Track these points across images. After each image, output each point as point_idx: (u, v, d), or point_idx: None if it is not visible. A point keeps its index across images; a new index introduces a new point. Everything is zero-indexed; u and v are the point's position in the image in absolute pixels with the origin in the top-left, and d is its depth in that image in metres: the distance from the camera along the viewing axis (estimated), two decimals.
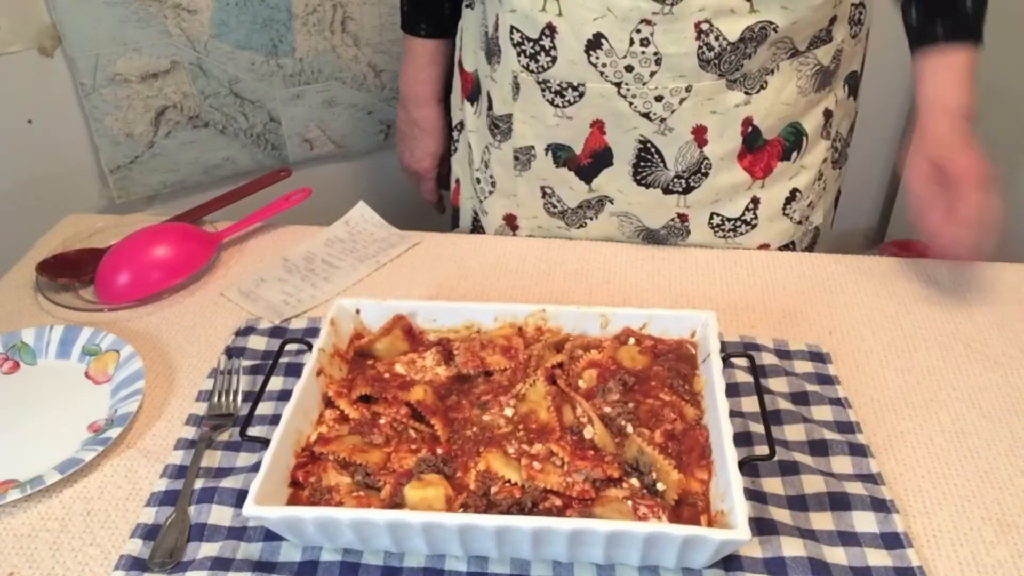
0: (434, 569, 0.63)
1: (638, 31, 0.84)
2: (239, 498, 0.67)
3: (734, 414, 0.71)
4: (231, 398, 0.79)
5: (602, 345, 0.76)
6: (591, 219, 1.01)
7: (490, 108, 1.00)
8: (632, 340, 0.76)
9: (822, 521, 0.65)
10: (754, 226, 0.99)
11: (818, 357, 0.82)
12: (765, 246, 1.01)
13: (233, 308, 0.92)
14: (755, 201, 0.98)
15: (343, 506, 0.63)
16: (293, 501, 0.64)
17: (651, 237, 1.01)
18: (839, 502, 0.66)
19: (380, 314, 0.79)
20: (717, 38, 0.84)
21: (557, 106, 0.92)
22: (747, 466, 0.64)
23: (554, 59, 0.88)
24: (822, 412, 0.76)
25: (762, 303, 0.91)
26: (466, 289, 0.95)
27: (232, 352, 0.85)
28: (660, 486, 0.63)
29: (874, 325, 0.87)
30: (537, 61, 0.89)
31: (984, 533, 0.65)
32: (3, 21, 1.21)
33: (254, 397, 0.71)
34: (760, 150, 0.94)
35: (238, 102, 1.42)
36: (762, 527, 0.63)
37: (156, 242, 0.96)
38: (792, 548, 0.62)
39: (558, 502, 0.62)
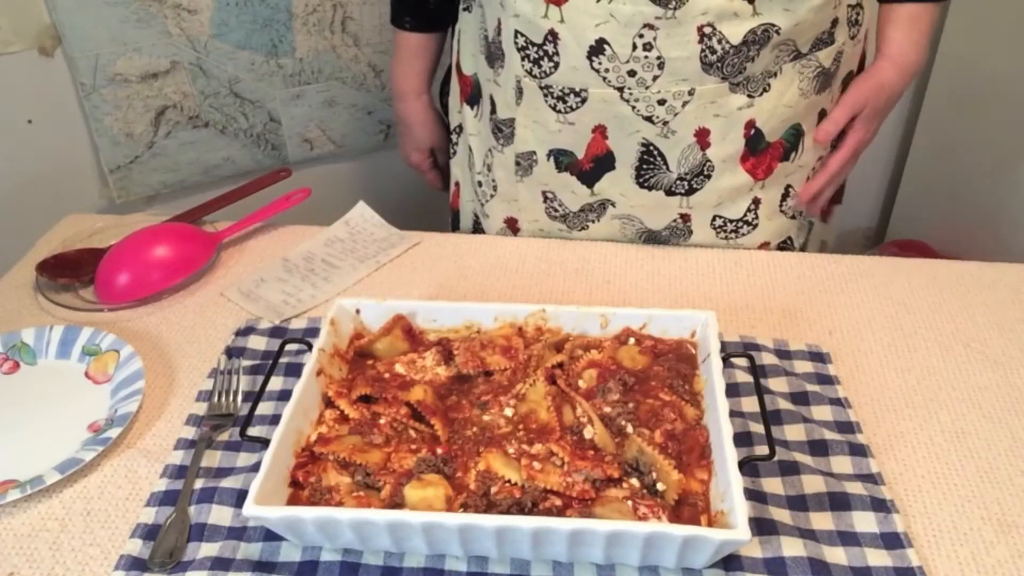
0: (434, 569, 0.63)
1: (641, 36, 0.84)
2: (239, 498, 0.68)
3: (734, 414, 0.71)
4: (231, 398, 0.79)
5: (602, 345, 0.76)
6: (593, 222, 1.01)
7: (493, 112, 1.00)
8: (632, 340, 0.76)
9: (822, 521, 0.65)
10: (755, 226, 0.99)
11: (818, 357, 0.82)
12: (765, 244, 1.01)
13: (233, 308, 0.92)
14: (756, 202, 0.98)
15: (343, 506, 0.63)
16: (293, 501, 0.64)
17: (653, 238, 1.01)
18: (839, 502, 0.66)
19: (380, 314, 0.79)
20: (720, 41, 0.84)
21: (559, 111, 0.92)
22: (747, 466, 0.64)
23: (556, 65, 0.88)
24: (822, 412, 0.76)
25: (762, 303, 0.91)
26: (466, 289, 0.95)
27: (232, 352, 0.85)
28: (660, 486, 0.63)
29: (874, 325, 0.87)
30: (540, 66, 0.89)
31: (984, 533, 0.65)
32: (3, 21, 1.21)
33: (254, 397, 0.71)
34: (763, 152, 0.94)
35: (238, 102, 1.42)
36: (762, 527, 0.63)
37: (156, 242, 0.96)
38: (792, 548, 0.62)
39: (558, 502, 0.62)
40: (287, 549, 0.64)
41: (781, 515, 0.65)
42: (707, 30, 0.83)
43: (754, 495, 0.66)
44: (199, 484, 0.70)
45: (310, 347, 0.74)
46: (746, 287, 0.93)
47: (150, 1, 1.26)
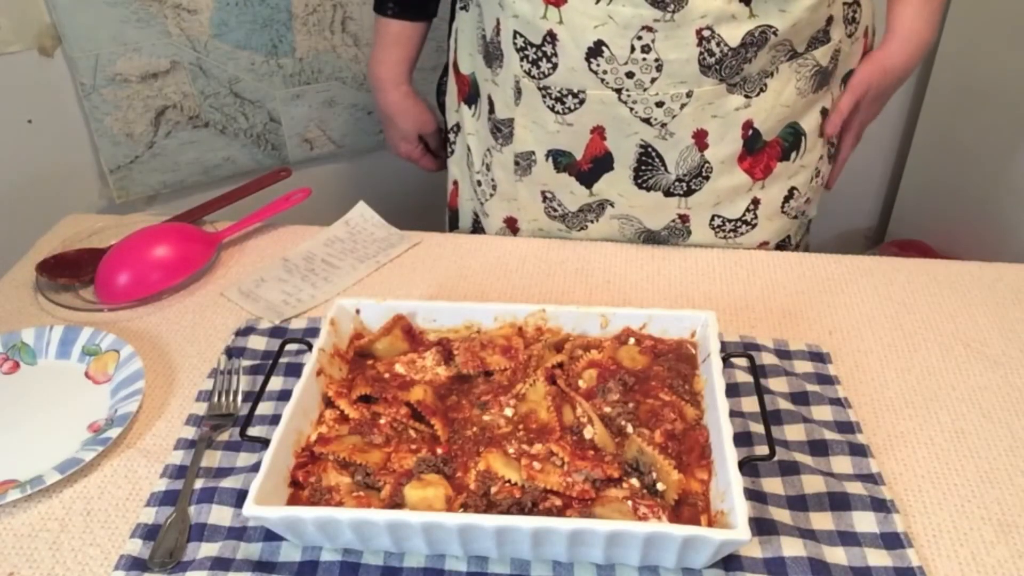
0: (434, 569, 0.63)
1: (639, 38, 0.84)
2: (239, 498, 0.68)
3: (734, 414, 0.71)
4: (231, 398, 0.79)
5: (602, 345, 0.76)
6: (592, 222, 1.01)
7: (491, 112, 0.99)
8: (632, 340, 0.76)
9: (822, 521, 0.65)
10: (754, 226, 0.99)
11: (818, 357, 0.82)
12: (764, 244, 1.01)
13: (233, 308, 0.92)
14: (755, 202, 0.98)
15: (343, 506, 0.63)
16: (293, 501, 0.64)
17: (652, 238, 1.01)
18: (839, 502, 0.66)
19: (380, 314, 0.79)
20: (718, 44, 0.84)
21: (557, 112, 0.92)
22: (747, 466, 0.64)
23: (555, 66, 0.88)
24: (822, 412, 0.76)
25: (762, 303, 0.91)
26: (466, 289, 0.95)
27: (232, 352, 0.85)
28: (660, 486, 0.63)
29: (874, 325, 0.87)
30: (539, 67, 0.89)
31: (984, 533, 0.65)
32: (3, 21, 1.21)
33: (254, 397, 0.71)
34: (760, 152, 0.94)
35: (238, 102, 1.42)
36: (762, 527, 0.64)
37: (156, 242, 0.96)
38: (792, 548, 0.62)
39: (558, 502, 0.62)
40: (287, 549, 0.64)
41: (781, 515, 0.65)
42: (706, 33, 0.83)
43: (754, 495, 0.66)
44: (199, 484, 0.70)
45: (310, 347, 0.74)
46: (746, 287, 0.93)
47: (150, 1, 1.26)
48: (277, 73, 1.42)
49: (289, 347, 0.78)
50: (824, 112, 0.97)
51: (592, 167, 0.95)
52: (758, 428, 0.72)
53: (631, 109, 0.89)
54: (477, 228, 1.12)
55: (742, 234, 1.00)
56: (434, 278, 0.96)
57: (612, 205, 0.98)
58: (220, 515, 0.67)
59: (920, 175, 1.91)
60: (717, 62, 0.85)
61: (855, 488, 0.67)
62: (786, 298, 0.91)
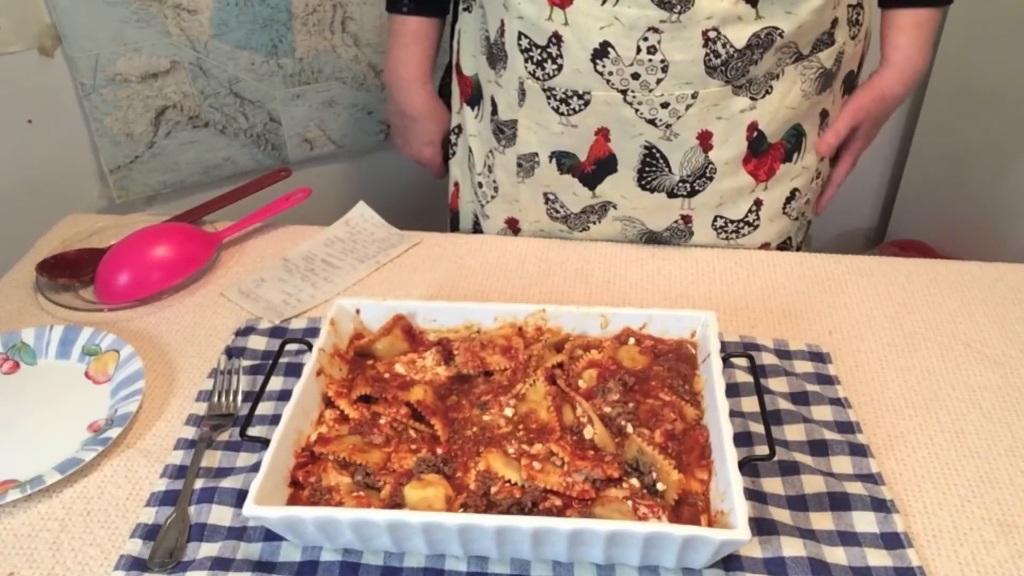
0: (434, 569, 0.63)
1: (645, 39, 0.83)
2: (239, 498, 0.68)
3: (734, 414, 0.71)
4: (231, 398, 0.79)
5: (602, 345, 0.76)
6: (594, 223, 1.01)
7: (494, 113, 0.99)
8: (632, 340, 0.76)
9: (822, 521, 0.65)
10: (756, 227, 0.99)
11: (818, 357, 0.82)
12: (766, 245, 1.01)
13: (233, 308, 0.92)
14: (758, 203, 0.98)
15: (343, 506, 0.63)
16: (293, 501, 0.64)
17: (654, 239, 1.01)
18: (839, 502, 0.66)
19: (380, 314, 0.79)
20: (724, 45, 0.84)
21: (562, 114, 0.92)
22: (747, 466, 0.64)
23: (560, 67, 0.88)
24: (822, 412, 0.76)
25: (762, 303, 0.91)
26: (466, 289, 0.95)
27: (232, 352, 0.85)
28: (660, 486, 0.63)
29: (874, 325, 0.87)
30: (544, 68, 0.89)
31: (984, 533, 0.65)
32: (3, 21, 1.21)
33: (254, 397, 0.71)
34: (764, 154, 0.94)
35: (238, 102, 1.42)
36: (762, 527, 0.63)
37: (156, 242, 0.96)
38: (792, 548, 0.62)
39: (558, 502, 0.62)
40: (287, 549, 0.64)
41: (781, 515, 0.65)
42: (712, 34, 0.83)
43: (754, 495, 0.66)
44: (199, 484, 0.70)
45: (310, 347, 0.74)
46: (746, 287, 0.93)
47: (150, 1, 1.26)
48: (277, 73, 1.42)
49: (289, 347, 0.78)
50: (824, 114, 0.97)
51: (596, 169, 0.95)
52: (758, 428, 0.72)
53: (636, 110, 0.88)
54: (477, 230, 1.11)
55: (744, 235, 1.00)
56: (434, 278, 0.96)
57: (615, 207, 0.98)
58: (220, 515, 0.67)
59: (920, 175, 1.91)
60: (723, 63, 0.85)
61: (855, 488, 0.67)
62: (786, 298, 0.91)
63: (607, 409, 0.69)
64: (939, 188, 1.85)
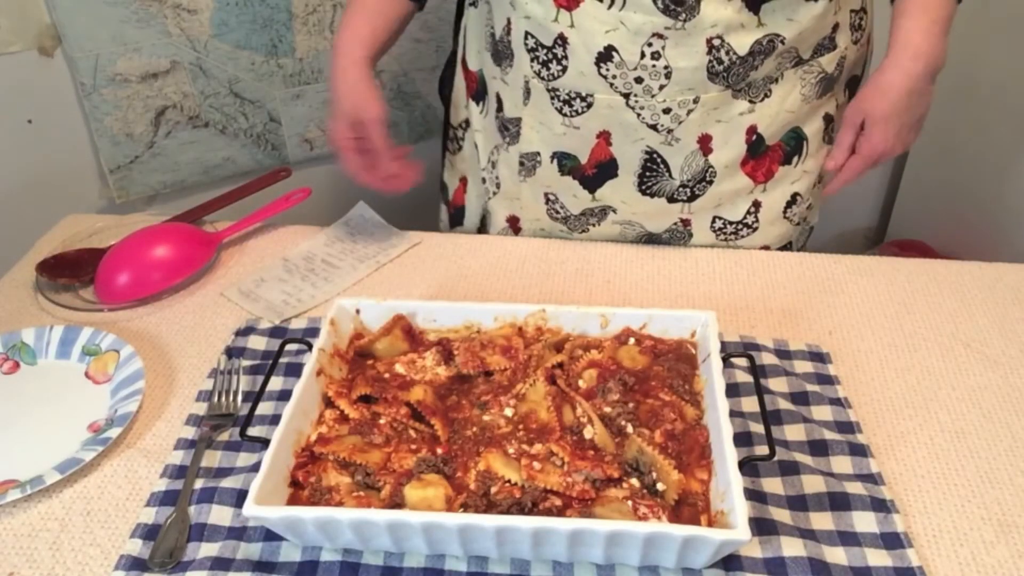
0: (434, 569, 0.63)
1: (649, 44, 0.84)
2: (239, 498, 0.68)
3: (734, 414, 0.71)
4: (231, 398, 0.79)
5: (602, 345, 0.76)
6: (593, 225, 1.01)
7: (499, 110, 0.99)
8: (632, 340, 0.76)
9: (822, 521, 0.65)
10: (755, 229, 0.99)
11: (818, 357, 0.82)
12: (765, 248, 1.01)
13: (233, 308, 0.92)
14: (756, 205, 0.98)
15: (343, 506, 0.63)
16: (293, 501, 0.64)
17: (653, 240, 1.01)
18: (839, 502, 0.66)
19: (380, 314, 0.79)
20: (728, 52, 0.84)
21: (565, 115, 0.92)
22: (747, 466, 0.64)
23: (564, 68, 0.88)
24: (822, 412, 0.76)
25: (762, 303, 0.91)
26: (466, 289, 0.95)
27: (232, 352, 0.85)
28: (660, 486, 0.63)
29: (874, 325, 0.87)
30: (548, 68, 0.89)
31: (984, 533, 0.65)
32: (3, 21, 1.21)
33: (254, 397, 0.71)
34: (762, 156, 0.94)
35: (238, 102, 1.42)
36: (762, 527, 0.63)
37: (156, 242, 0.96)
38: (792, 548, 0.62)
39: (558, 502, 0.62)
40: (287, 549, 0.64)
41: (781, 515, 0.65)
42: (715, 41, 0.83)
43: (754, 495, 0.66)
44: (199, 484, 0.69)
45: (310, 347, 0.74)
46: (746, 287, 0.93)
47: (150, 1, 1.26)
48: (277, 73, 1.42)
49: (289, 347, 0.78)
50: (827, 119, 0.97)
51: (596, 172, 0.95)
52: (758, 428, 0.72)
53: (639, 115, 0.89)
54: (483, 225, 1.11)
55: (743, 236, 1.00)
56: (434, 278, 0.96)
57: (615, 211, 0.98)
58: (220, 515, 0.67)
59: (920, 175, 1.91)
60: (725, 70, 0.86)
61: (855, 488, 0.67)
62: (786, 298, 0.91)
63: (607, 409, 0.69)
64: (939, 188, 1.85)
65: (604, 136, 0.92)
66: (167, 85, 1.34)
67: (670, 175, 0.94)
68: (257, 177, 1.11)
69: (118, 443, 0.75)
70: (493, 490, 0.63)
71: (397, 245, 1.02)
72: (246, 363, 0.83)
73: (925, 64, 0.87)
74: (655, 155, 0.92)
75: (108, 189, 1.39)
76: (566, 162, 0.96)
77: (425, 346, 0.77)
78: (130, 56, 1.29)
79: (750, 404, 0.75)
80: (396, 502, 0.63)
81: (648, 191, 0.95)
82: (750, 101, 0.90)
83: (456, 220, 1.16)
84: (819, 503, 0.66)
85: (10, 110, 1.28)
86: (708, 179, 0.94)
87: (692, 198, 0.96)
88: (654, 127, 0.90)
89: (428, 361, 0.75)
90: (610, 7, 0.82)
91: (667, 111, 0.88)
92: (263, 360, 0.84)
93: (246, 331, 0.88)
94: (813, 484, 0.68)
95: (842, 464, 0.70)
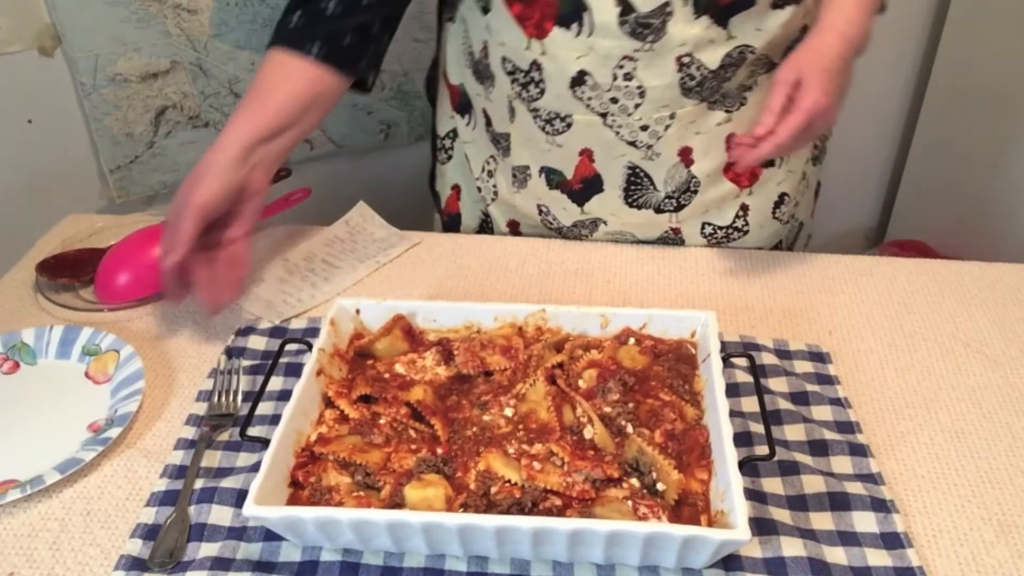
0: (434, 569, 0.63)
1: (621, 67, 0.85)
2: (239, 498, 0.68)
3: (734, 414, 0.71)
4: (231, 398, 0.79)
5: (602, 345, 0.76)
6: (586, 236, 1.02)
7: (489, 124, 1.00)
8: (632, 340, 0.76)
9: (822, 521, 0.65)
10: (746, 232, 1.00)
11: (818, 357, 0.82)
12: (758, 249, 1.01)
13: (233, 308, 0.92)
14: (744, 208, 0.98)
15: (343, 506, 0.63)
16: (293, 501, 0.64)
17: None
18: (839, 502, 0.66)
19: (380, 314, 0.79)
20: (699, 68, 0.86)
21: (548, 133, 0.93)
22: (747, 466, 0.64)
23: (542, 91, 0.90)
24: (822, 412, 0.76)
25: (762, 303, 0.91)
26: (466, 289, 0.95)
27: (232, 352, 0.85)
28: (660, 486, 0.63)
29: (874, 325, 0.87)
30: (528, 91, 0.91)
31: (984, 533, 0.65)
32: (3, 21, 1.21)
33: (254, 397, 0.71)
34: None
35: (238, 102, 1.41)
36: (762, 527, 0.63)
37: (156, 242, 0.95)
38: (792, 548, 0.62)
39: (558, 502, 0.62)
40: (287, 549, 0.64)
41: (781, 515, 0.65)
42: (685, 59, 0.85)
43: (754, 495, 0.66)
44: (199, 484, 0.69)
45: (310, 347, 0.74)
46: (746, 287, 0.93)
47: (150, 1, 1.26)
48: None
49: (289, 347, 0.78)
50: None
51: (583, 187, 0.97)
52: (758, 428, 0.72)
53: (617, 133, 0.90)
54: (484, 228, 1.11)
55: (734, 240, 1.00)
56: (434, 278, 0.96)
57: (605, 223, 0.99)
58: (220, 515, 0.67)
59: (920, 175, 1.92)
60: (698, 84, 0.87)
61: (855, 488, 0.67)
62: (786, 298, 0.91)
63: (607, 409, 0.69)
64: (939, 188, 1.85)
65: (587, 153, 0.93)
66: (167, 85, 1.34)
67: (655, 188, 0.95)
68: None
69: (118, 443, 0.75)
70: (493, 490, 0.63)
71: (397, 245, 1.02)
72: (246, 363, 0.83)
73: (857, 34, 0.83)
74: (638, 170, 0.93)
75: (108, 189, 1.39)
76: (553, 177, 0.97)
77: (425, 346, 0.77)
78: (130, 56, 1.29)
79: (750, 404, 0.75)
80: (396, 502, 0.63)
81: (635, 204, 0.97)
82: (726, 111, 0.91)
83: (451, 227, 1.16)
84: (819, 503, 0.66)
85: (10, 110, 1.28)
86: (692, 189, 0.95)
87: (679, 208, 0.97)
88: (633, 144, 0.91)
89: (428, 361, 0.75)
90: (578, 35, 0.84)
91: (644, 128, 0.89)
92: (263, 360, 0.84)
93: (246, 331, 0.88)
94: (813, 484, 0.68)
95: (842, 464, 0.70)
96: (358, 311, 0.79)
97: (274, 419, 0.73)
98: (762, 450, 0.65)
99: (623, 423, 0.68)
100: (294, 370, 0.81)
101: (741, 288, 0.93)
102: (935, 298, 0.91)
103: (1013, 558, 0.63)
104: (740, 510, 0.57)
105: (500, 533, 0.59)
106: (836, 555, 0.62)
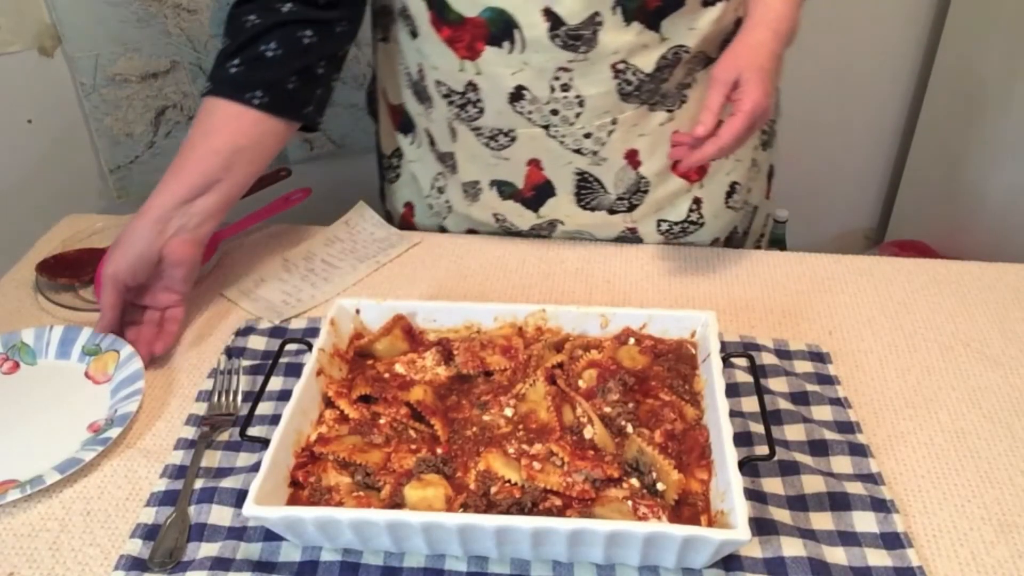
0: (434, 569, 0.63)
1: (557, 78, 0.85)
2: (239, 498, 0.68)
3: (734, 414, 0.71)
4: (231, 398, 0.79)
5: (602, 345, 0.76)
6: (546, 237, 1.03)
7: (433, 144, 1.01)
8: (632, 340, 0.76)
9: (822, 521, 0.65)
10: (701, 224, 1.00)
11: (818, 357, 0.82)
12: (715, 241, 1.02)
13: (233, 308, 0.92)
14: (697, 202, 0.99)
15: (343, 506, 0.63)
16: (293, 501, 0.64)
17: None
18: (839, 502, 0.66)
19: (380, 314, 0.79)
20: (635, 73, 0.86)
21: (493, 148, 0.93)
22: (747, 466, 0.64)
23: (481, 110, 0.90)
24: (822, 412, 0.76)
25: (762, 303, 0.91)
26: (466, 289, 0.95)
27: (232, 352, 0.85)
28: (660, 486, 0.63)
29: (874, 325, 0.87)
30: (466, 111, 0.91)
31: (984, 533, 0.65)
32: (3, 21, 1.21)
33: (254, 397, 0.71)
34: None
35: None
36: (762, 527, 0.63)
37: None
38: (792, 548, 0.62)
39: (558, 502, 0.62)
40: (287, 549, 0.64)
41: (781, 515, 0.65)
42: (620, 66, 0.85)
43: (754, 495, 0.66)
44: (199, 484, 0.69)
45: (310, 347, 0.74)
46: (746, 287, 0.93)
47: (150, 1, 1.26)
48: None
49: (289, 347, 0.78)
50: None
51: (535, 194, 0.97)
52: (758, 428, 0.72)
53: (561, 142, 0.91)
54: None
55: (691, 233, 1.01)
56: (434, 278, 0.96)
57: (562, 223, 1.00)
58: (220, 515, 0.67)
59: (920, 175, 1.92)
60: (636, 89, 0.87)
61: (855, 488, 0.67)
62: (786, 298, 0.92)
63: (607, 409, 0.69)
64: (939, 188, 1.85)
65: (535, 163, 0.94)
66: (167, 85, 1.34)
67: (605, 191, 0.96)
68: (257, 177, 1.11)
69: (118, 443, 0.75)
70: (493, 490, 0.63)
71: (397, 245, 1.02)
72: (246, 363, 0.83)
73: (787, 29, 0.83)
74: (586, 175, 0.94)
75: (108, 189, 1.39)
76: (505, 188, 0.98)
77: (425, 346, 0.77)
78: (130, 56, 1.29)
79: (750, 404, 0.75)
80: (396, 502, 0.63)
81: (588, 207, 0.97)
82: (668, 111, 0.91)
83: None
84: (819, 503, 0.66)
85: (10, 110, 1.28)
86: (643, 189, 0.96)
87: (631, 208, 0.97)
88: (579, 151, 0.91)
89: (428, 361, 0.75)
90: (511, 52, 0.84)
91: (588, 136, 0.90)
92: (263, 360, 0.84)
93: (246, 331, 0.88)
94: (813, 484, 0.68)
95: (842, 464, 0.70)
96: (358, 311, 0.79)
97: (274, 419, 0.73)
98: (762, 450, 0.65)
99: (623, 423, 0.68)
100: (294, 370, 0.81)
101: (741, 288, 0.93)
102: (935, 298, 0.91)
103: (1013, 558, 0.63)
104: (740, 510, 0.57)
105: (500, 533, 0.59)
106: (836, 555, 0.62)
